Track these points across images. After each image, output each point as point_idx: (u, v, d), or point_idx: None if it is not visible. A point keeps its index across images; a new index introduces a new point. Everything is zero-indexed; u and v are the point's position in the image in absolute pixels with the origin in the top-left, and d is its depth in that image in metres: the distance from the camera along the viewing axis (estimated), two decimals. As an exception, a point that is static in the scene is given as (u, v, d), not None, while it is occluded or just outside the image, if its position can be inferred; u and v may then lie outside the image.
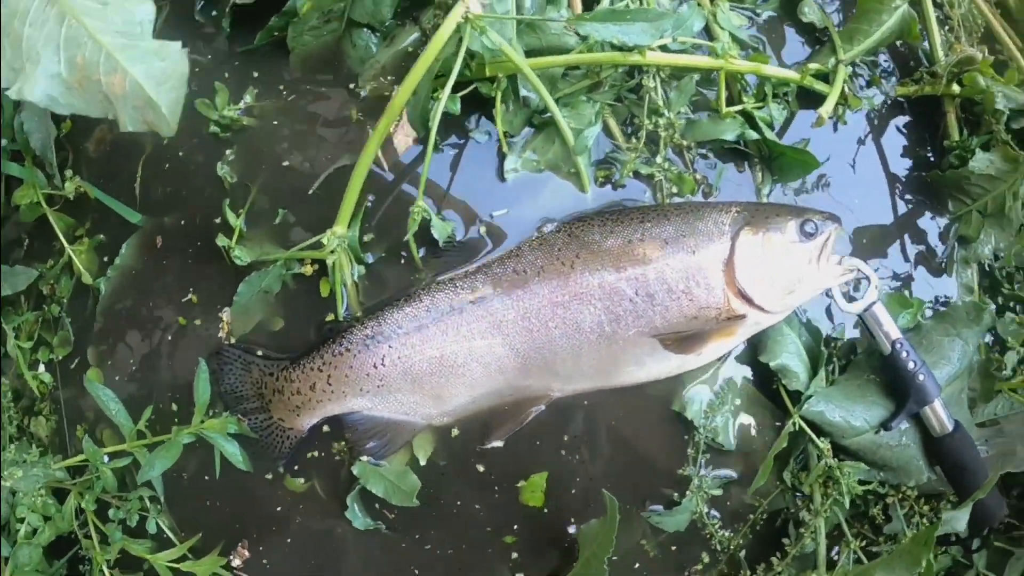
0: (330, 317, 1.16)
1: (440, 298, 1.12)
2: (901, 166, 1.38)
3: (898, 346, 1.16)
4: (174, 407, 1.19)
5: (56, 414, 1.23)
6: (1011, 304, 1.40)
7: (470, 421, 1.16)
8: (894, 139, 1.39)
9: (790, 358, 1.17)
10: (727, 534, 1.20)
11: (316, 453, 1.18)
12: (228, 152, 1.21)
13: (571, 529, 1.16)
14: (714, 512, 1.20)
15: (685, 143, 1.18)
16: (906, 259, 1.38)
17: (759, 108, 1.22)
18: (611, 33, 1.09)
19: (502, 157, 1.17)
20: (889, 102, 1.37)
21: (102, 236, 1.25)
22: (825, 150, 1.29)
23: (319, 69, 1.23)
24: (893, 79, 1.36)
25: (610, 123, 1.18)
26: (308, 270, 1.16)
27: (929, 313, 1.32)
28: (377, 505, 1.16)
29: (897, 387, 1.19)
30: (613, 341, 1.10)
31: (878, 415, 1.20)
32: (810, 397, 1.16)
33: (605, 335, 1.10)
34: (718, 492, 1.18)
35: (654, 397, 1.17)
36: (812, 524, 1.17)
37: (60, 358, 1.26)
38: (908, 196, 1.40)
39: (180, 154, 1.23)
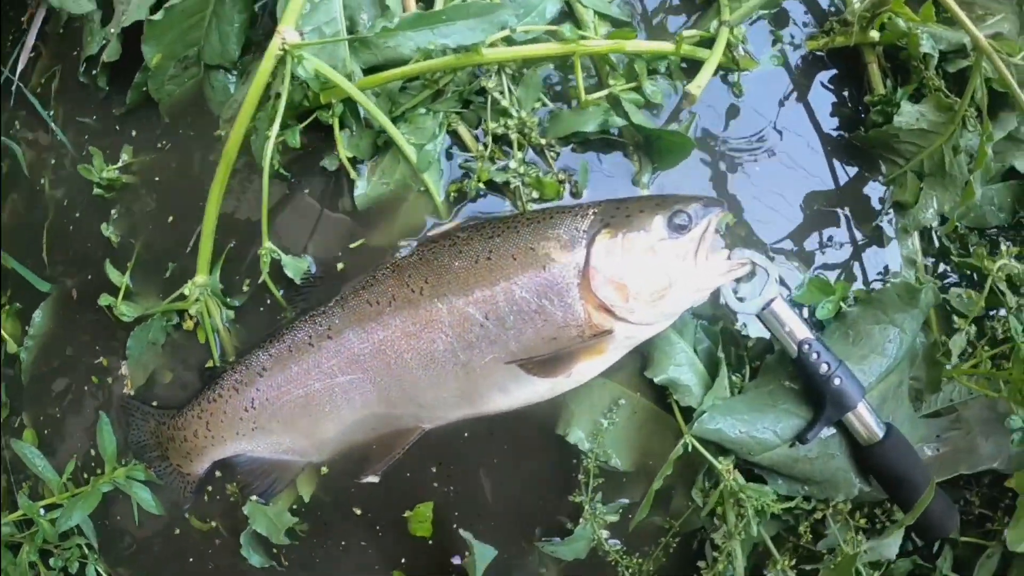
0: (209, 364, 1.13)
1: (300, 336, 1.07)
2: (831, 126, 1.17)
3: (805, 348, 0.99)
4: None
5: (5, 472, 1.28)
6: (968, 273, 1.14)
7: (345, 457, 1.09)
8: (822, 98, 1.17)
9: (679, 370, 1.02)
10: (636, 559, 1.08)
11: (217, 495, 1.15)
12: (113, 212, 1.21)
13: (456, 560, 1.07)
14: (614, 540, 1.06)
15: (544, 141, 1.04)
16: (851, 233, 1.17)
17: (630, 90, 1.05)
18: (426, 39, 0.97)
19: (352, 184, 1.07)
20: (810, 58, 1.15)
21: (19, 304, 1.28)
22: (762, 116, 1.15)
23: (188, 117, 1.19)
24: (803, 33, 1.14)
25: (461, 132, 1.06)
26: (188, 325, 1.14)
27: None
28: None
29: (812, 394, 0.99)
30: (470, 369, 1.00)
31: (792, 426, 1.03)
32: (703, 414, 0.99)
33: (461, 363, 1.01)
34: (614, 518, 1.04)
35: (536, 421, 1.07)
36: (726, 548, 1.01)
37: (2, 419, 1.31)
38: (847, 161, 1.18)
39: (77, 216, 1.23)
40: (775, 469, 1.02)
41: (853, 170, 1.21)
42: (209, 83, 1.18)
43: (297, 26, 1.00)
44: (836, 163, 1.21)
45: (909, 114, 1.07)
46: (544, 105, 1.07)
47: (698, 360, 1.04)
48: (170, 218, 1.19)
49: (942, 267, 1.22)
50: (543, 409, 1.04)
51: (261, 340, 1.09)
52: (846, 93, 1.21)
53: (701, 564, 1.07)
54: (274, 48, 0.99)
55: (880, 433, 0.99)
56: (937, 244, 1.21)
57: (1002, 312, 1.11)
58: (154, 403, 1.17)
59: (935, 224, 1.18)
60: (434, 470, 1.07)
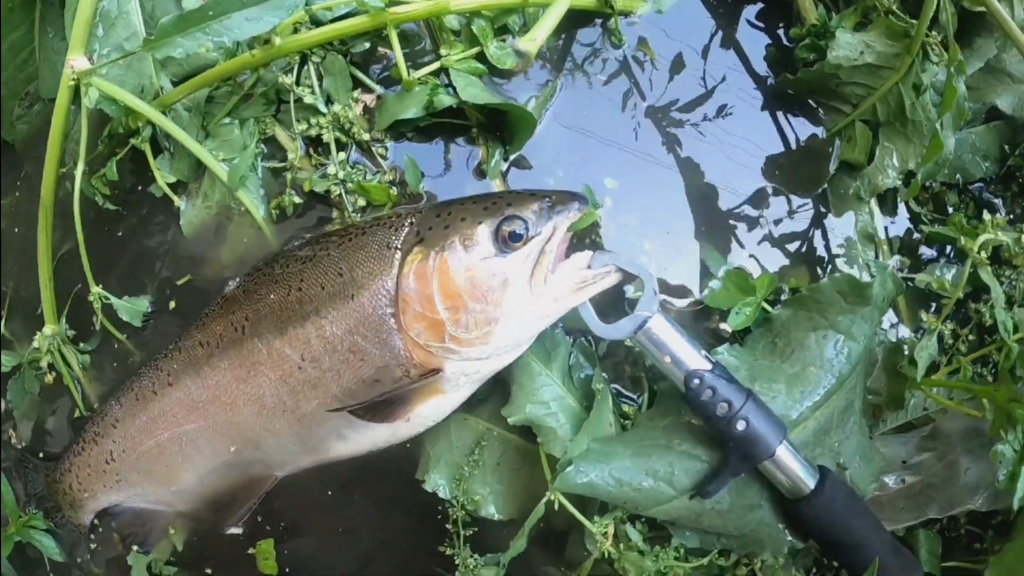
0: (76, 414, 0.99)
1: (144, 384, 0.91)
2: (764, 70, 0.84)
3: (695, 384, 0.71)
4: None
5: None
6: (947, 250, 0.79)
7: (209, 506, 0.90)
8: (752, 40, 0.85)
9: (539, 409, 0.75)
10: None
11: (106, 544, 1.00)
12: None
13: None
14: None
15: (368, 137, 0.78)
16: (790, 206, 0.84)
17: (471, 58, 0.76)
18: (199, 43, 0.73)
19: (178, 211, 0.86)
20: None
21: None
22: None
23: (42, 155, 1.01)
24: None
25: (279, 137, 0.82)
26: (49, 379, 1.00)
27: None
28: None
29: (712, 436, 0.73)
30: (300, 416, 0.82)
31: (692, 472, 0.76)
32: (568, 464, 0.73)
33: (289, 409, 0.82)
34: (491, 572, 0.80)
35: (393, 465, 0.84)
36: None
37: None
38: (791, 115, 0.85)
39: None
40: (678, 523, 0.73)
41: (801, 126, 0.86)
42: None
43: (87, 51, 0.80)
44: (782, 120, 0.87)
45: (848, 46, 0.77)
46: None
47: (571, 393, 0.76)
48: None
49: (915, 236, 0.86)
50: (397, 451, 0.80)
51: (115, 389, 0.92)
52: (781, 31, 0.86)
53: None
54: (65, 80, 0.79)
55: (811, 483, 0.69)
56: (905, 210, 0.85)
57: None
58: (40, 455, 1.03)
59: (899, 185, 0.81)
60: (282, 525, 0.86)
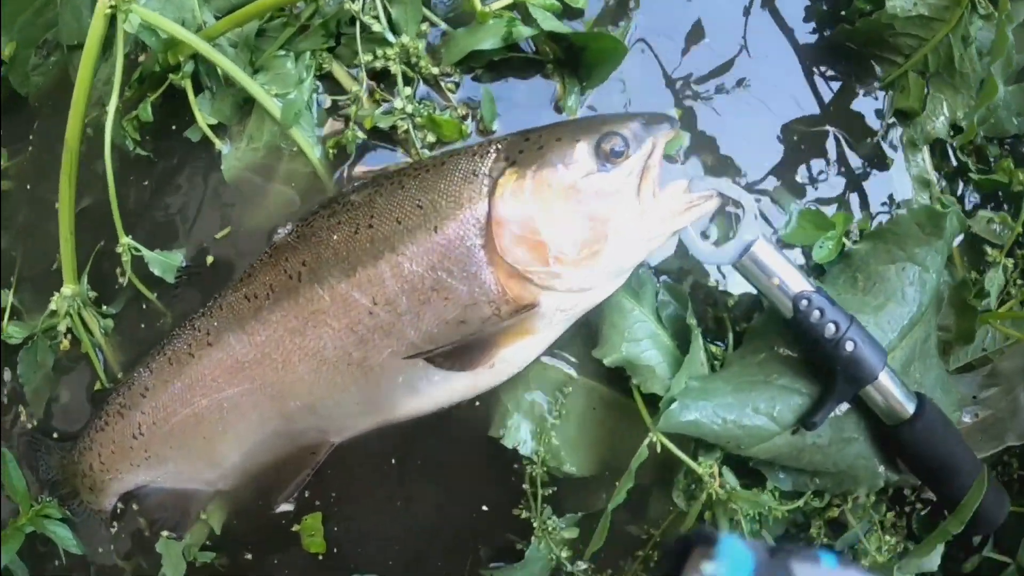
0: (97, 386, 0.89)
1: (179, 346, 0.81)
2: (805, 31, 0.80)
3: (804, 304, 0.67)
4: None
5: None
6: (993, 193, 0.77)
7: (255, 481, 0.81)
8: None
9: (636, 347, 0.69)
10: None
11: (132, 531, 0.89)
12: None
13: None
14: (581, 562, 0.75)
15: (437, 71, 0.72)
16: (841, 158, 0.81)
17: None
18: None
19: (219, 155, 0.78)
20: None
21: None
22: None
23: (60, 109, 0.91)
24: None
25: (336, 73, 0.75)
26: (65, 344, 0.89)
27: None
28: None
29: (817, 363, 0.70)
30: (367, 369, 0.73)
31: (794, 407, 0.71)
32: (672, 402, 0.67)
33: (355, 362, 0.73)
34: (572, 534, 0.73)
35: (464, 423, 0.78)
36: None
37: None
38: (827, 70, 0.81)
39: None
40: (777, 461, 0.68)
41: (838, 83, 0.84)
42: (74, 65, 0.89)
43: (128, -22, 0.71)
44: (818, 77, 0.84)
45: (905, -5, 0.72)
46: (433, 27, 0.74)
47: (663, 331, 0.70)
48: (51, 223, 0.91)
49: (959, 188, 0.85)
50: (468, 407, 0.73)
51: (143, 355, 0.82)
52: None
53: None
54: (102, 8, 0.70)
55: (910, 408, 0.65)
56: (953, 161, 0.83)
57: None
58: (54, 435, 0.91)
59: (947, 135, 0.81)
60: (332, 496, 0.77)
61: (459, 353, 0.67)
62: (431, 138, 0.74)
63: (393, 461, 0.78)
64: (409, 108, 0.73)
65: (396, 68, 0.72)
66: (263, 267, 0.76)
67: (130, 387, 0.83)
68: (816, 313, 0.66)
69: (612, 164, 0.65)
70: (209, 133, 0.78)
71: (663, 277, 0.76)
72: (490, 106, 0.75)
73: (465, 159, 0.69)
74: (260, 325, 0.75)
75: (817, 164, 0.86)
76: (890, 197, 0.85)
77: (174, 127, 0.82)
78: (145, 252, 0.79)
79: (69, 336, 0.87)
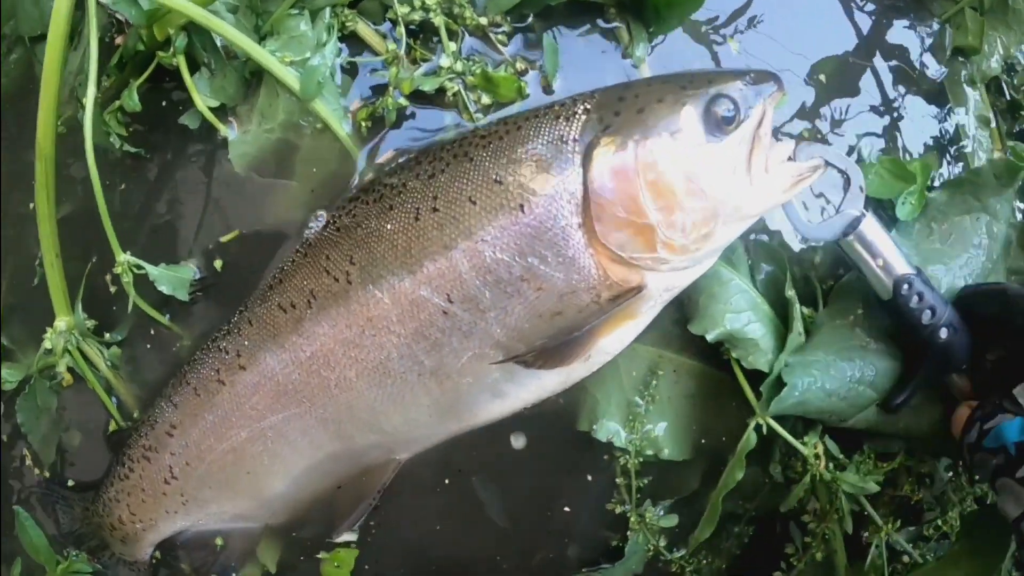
0: (112, 427, 0.75)
1: (206, 374, 0.68)
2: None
3: (905, 289, 0.60)
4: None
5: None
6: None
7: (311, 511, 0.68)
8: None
9: (739, 319, 0.61)
10: (704, 559, 0.70)
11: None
12: None
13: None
14: (679, 549, 0.69)
15: (486, 21, 0.58)
16: (884, 98, 0.72)
17: None
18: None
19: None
20: None
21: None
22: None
23: (28, 112, 0.74)
24: None
25: (362, 32, 0.61)
26: (68, 379, 0.74)
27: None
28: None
29: (908, 345, 0.64)
30: (443, 377, 0.61)
31: (888, 371, 0.64)
32: (776, 383, 0.61)
33: (428, 371, 0.61)
34: (671, 523, 0.66)
35: (550, 417, 0.66)
36: (819, 531, 0.66)
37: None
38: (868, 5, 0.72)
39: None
40: (875, 430, 0.62)
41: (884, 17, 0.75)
42: (38, 60, 0.74)
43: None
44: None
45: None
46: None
47: (763, 300, 0.61)
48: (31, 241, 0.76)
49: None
50: (554, 401, 0.63)
51: (164, 387, 0.68)
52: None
53: (788, 549, 0.69)
54: None
55: None
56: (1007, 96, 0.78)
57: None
58: (69, 484, 0.78)
59: (1001, 72, 0.78)
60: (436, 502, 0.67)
61: (555, 351, 0.56)
62: (486, 99, 0.61)
63: (446, 477, 0.67)
64: (459, 66, 0.60)
65: (439, 20, 0.59)
66: (298, 270, 0.63)
67: (153, 426, 0.69)
68: (915, 298, 0.59)
69: (723, 133, 0.54)
70: (211, 117, 0.63)
71: (754, 238, 0.66)
72: (553, 58, 0.62)
73: (549, 122, 0.56)
74: (303, 340, 0.62)
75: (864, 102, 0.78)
76: (947, 138, 0.78)
77: (164, 117, 0.67)
78: (149, 268, 0.65)
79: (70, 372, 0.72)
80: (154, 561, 0.75)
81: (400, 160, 0.63)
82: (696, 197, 0.54)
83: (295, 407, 0.64)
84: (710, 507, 0.64)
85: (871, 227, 0.60)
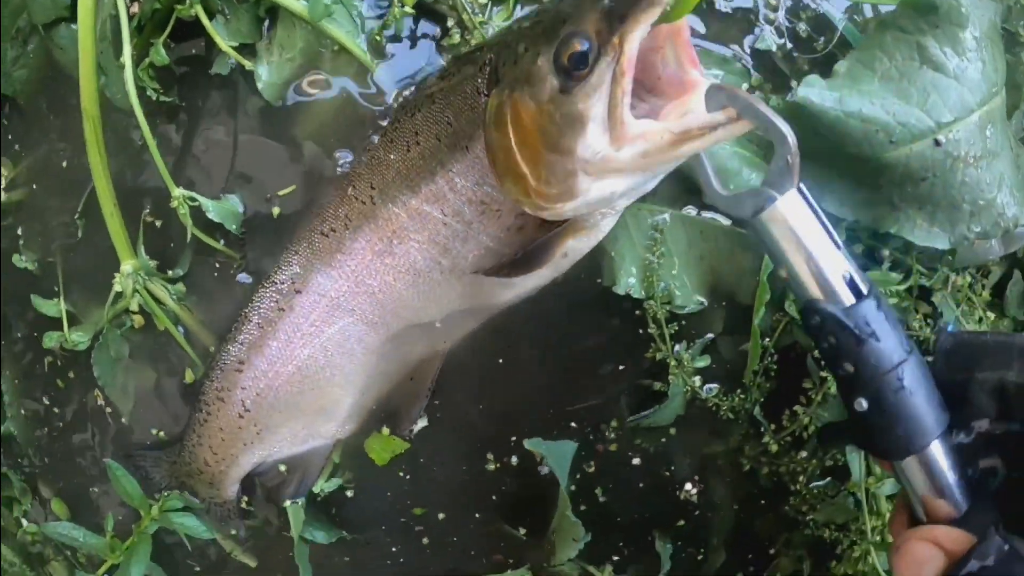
0: (188, 377, 0.83)
1: (266, 306, 0.77)
2: None
3: (814, 321, 0.51)
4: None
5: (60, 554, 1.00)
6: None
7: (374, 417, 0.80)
8: None
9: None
10: (738, 396, 0.77)
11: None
12: (18, 236, 0.89)
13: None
14: (710, 384, 0.76)
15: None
16: None
17: None
18: None
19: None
20: None
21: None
22: None
23: (51, 97, 0.86)
24: None
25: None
26: (138, 320, 0.82)
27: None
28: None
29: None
30: (461, 273, 0.70)
31: (952, 101, 0.63)
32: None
33: (447, 270, 0.70)
34: (704, 363, 0.75)
35: (572, 284, 0.73)
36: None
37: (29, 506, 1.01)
38: None
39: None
40: (919, 174, 0.63)
41: None
42: (56, 45, 0.82)
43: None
44: None
45: None
46: None
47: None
48: (76, 215, 0.85)
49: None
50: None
51: (227, 332, 0.78)
52: None
53: (807, 384, 0.76)
54: None
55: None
56: None
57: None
58: (148, 443, 0.86)
59: None
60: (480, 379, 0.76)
61: (520, 262, 0.63)
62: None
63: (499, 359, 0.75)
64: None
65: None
66: (334, 201, 0.71)
67: (222, 369, 0.78)
68: (829, 339, 0.48)
69: (572, 80, 0.52)
70: (235, 55, 0.71)
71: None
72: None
73: (471, 71, 0.62)
74: (345, 256, 0.71)
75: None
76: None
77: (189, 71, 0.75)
78: (202, 200, 0.72)
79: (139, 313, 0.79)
80: (240, 498, 0.83)
81: (404, 94, 0.72)
82: (552, 151, 0.54)
83: (348, 316, 0.72)
84: (752, 339, 0.70)
85: (793, 212, 0.48)
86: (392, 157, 0.68)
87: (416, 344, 0.75)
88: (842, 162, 0.65)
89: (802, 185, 0.49)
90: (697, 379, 0.75)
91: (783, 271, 0.49)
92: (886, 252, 0.73)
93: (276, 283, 0.75)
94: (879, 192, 0.66)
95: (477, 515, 0.81)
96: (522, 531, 0.81)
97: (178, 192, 0.72)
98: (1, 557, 1.06)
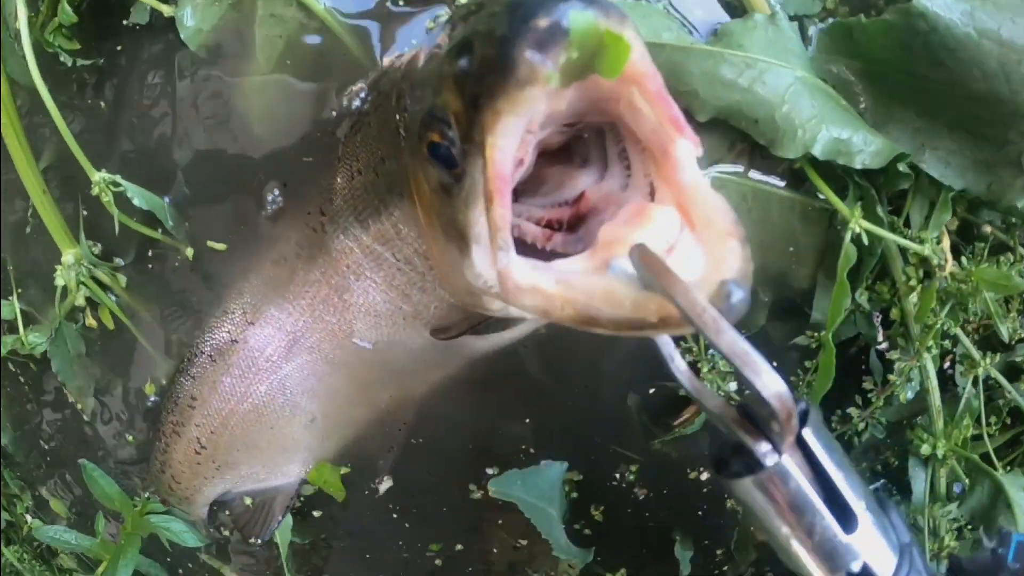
0: (148, 388, 0.75)
1: (218, 338, 0.68)
2: None
3: None
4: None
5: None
6: None
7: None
8: None
9: None
10: None
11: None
12: None
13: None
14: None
15: None
16: None
17: None
18: None
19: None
20: None
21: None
22: None
23: None
24: None
25: None
26: (91, 322, 0.75)
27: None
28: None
29: None
30: (426, 323, 0.59)
31: None
32: None
33: (410, 316, 0.58)
34: None
35: None
36: (903, 369, 0.60)
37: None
38: None
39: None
40: None
41: None
42: None
43: None
44: None
45: None
46: None
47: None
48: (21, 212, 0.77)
49: None
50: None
51: (180, 362, 0.70)
52: None
53: (867, 385, 0.64)
54: None
55: None
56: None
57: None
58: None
59: None
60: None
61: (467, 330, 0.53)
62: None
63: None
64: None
65: None
66: (280, 216, 0.61)
67: (176, 402, 0.71)
68: None
69: (450, 177, 0.38)
70: (154, 2, 0.58)
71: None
72: None
73: (391, 102, 0.48)
74: (300, 287, 0.61)
75: None
76: None
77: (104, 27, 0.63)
78: (126, 185, 0.62)
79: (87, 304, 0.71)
80: (213, 512, 0.77)
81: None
82: (448, 253, 0.41)
83: (305, 354, 0.63)
84: (824, 351, 0.56)
85: (786, 478, 0.36)
86: (340, 181, 0.56)
87: (384, 389, 0.65)
88: (960, 104, 0.49)
89: (806, 432, 0.35)
90: (734, 384, 0.61)
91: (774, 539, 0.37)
92: (988, 228, 0.58)
93: (228, 311, 0.65)
94: (1003, 151, 0.50)
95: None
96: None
97: (99, 176, 0.61)
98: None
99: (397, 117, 0.47)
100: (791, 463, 0.35)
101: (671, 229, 0.34)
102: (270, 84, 0.58)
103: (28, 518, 0.97)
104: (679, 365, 0.38)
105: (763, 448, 0.35)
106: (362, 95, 0.57)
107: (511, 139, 0.33)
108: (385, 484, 0.69)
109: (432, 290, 0.53)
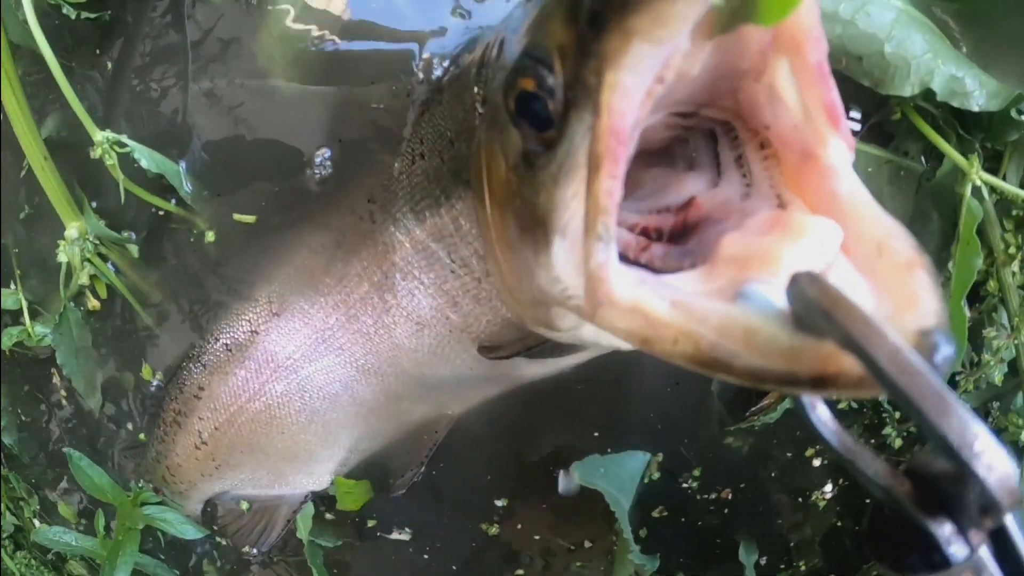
0: (145, 372, 0.67)
1: (237, 326, 0.60)
2: None
3: None
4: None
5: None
6: None
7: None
8: None
9: None
10: None
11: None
12: None
13: None
14: None
15: None
16: None
17: None
18: None
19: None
20: None
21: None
22: None
23: None
24: None
25: None
26: (94, 304, 0.68)
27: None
28: None
29: None
30: (475, 337, 0.51)
31: None
32: None
33: (457, 328, 0.51)
34: None
35: None
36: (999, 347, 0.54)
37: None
38: None
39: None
40: None
41: None
42: None
43: None
44: None
45: None
46: None
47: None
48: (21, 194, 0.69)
49: None
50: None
51: (190, 348, 0.63)
52: None
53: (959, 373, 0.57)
54: None
55: None
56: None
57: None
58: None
59: None
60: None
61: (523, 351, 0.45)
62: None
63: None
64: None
65: None
66: (322, 204, 0.55)
67: (182, 389, 0.63)
68: None
69: (538, 144, 0.30)
70: None
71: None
72: None
73: (469, 74, 0.42)
74: (337, 283, 0.54)
75: None
76: None
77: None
78: (135, 146, 0.54)
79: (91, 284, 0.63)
80: (207, 510, 0.70)
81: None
82: (521, 251, 0.33)
83: (333, 354, 0.56)
84: (956, 320, 0.49)
85: None
86: (397, 165, 0.49)
87: (417, 404, 0.58)
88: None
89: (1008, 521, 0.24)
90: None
91: None
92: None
93: (252, 299, 0.59)
94: None
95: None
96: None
97: (101, 136, 0.54)
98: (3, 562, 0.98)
99: (475, 90, 0.40)
100: (988, 556, 0.25)
101: (830, 247, 0.25)
102: (296, 37, 0.50)
103: (36, 523, 0.91)
104: (821, 415, 0.26)
105: (945, 532, 0.24)
106: (441, 65, 0.50)
107: (639, 78, 0.25)
108: (401, 536, 0.62)
109: (487, 300, 0.46)
